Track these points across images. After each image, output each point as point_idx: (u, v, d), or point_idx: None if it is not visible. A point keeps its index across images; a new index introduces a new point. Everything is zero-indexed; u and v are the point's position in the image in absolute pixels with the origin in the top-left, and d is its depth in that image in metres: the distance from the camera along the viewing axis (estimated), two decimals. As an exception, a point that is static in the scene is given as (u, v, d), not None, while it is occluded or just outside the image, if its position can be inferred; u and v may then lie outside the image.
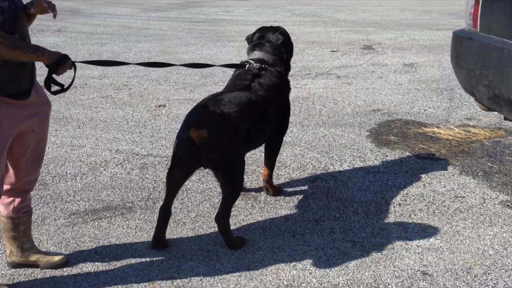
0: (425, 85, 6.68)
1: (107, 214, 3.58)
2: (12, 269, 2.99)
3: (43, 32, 10.44)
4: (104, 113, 5.62)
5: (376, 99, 6.07)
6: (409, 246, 3.21)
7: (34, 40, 9.57)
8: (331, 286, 2.84)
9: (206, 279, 2.91)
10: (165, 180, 3.25)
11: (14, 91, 2.52)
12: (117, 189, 3.93)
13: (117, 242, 3.26)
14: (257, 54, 3.59)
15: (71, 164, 4.37)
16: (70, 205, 3.71)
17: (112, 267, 3.02)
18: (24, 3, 2.61)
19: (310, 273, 2.95)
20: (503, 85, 3.61)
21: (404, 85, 6.67)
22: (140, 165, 4.34)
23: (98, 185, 3.99)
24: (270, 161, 3.73)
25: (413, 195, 3.82)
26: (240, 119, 3.13)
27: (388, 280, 2.88)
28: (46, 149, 4.64)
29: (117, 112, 5.64)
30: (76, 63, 2.73)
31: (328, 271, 2.97)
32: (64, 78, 2.97)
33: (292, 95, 6.27)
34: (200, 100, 3.33)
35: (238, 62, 3.72)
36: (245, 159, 4.36)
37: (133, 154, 4.56)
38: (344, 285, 2.85)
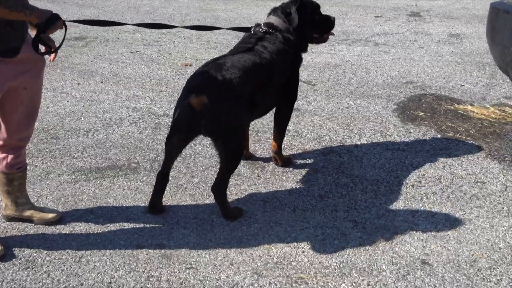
0: (468, 58, 6.30)
1: (111, 174, 3.55)
2: (7, 223, 3.00)
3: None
4: (129, 69, 5.56)
5: (411, 71, 5.77)
6: (414, 232, 3.03)
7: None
8: (322, 268, 2.72)
9: (195, 249, 2.84)
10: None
11: (2, 48, 2.45)
12: (125, 148, 3.88)
13: (114, 203, 3.22)
14: (270, 18, 3.43)
15: (86, 119, 4.35)
16: (76, 161, 3.69)
17: (104, 229, 2.99)
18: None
19: (303, 252, 2.83)
20: (537, 65, 3.32)
21: (445, 57, 6.32)
22: (154, 125, 4.27)
23: (108, 143, 3.96)
24: (278, 133, 3.58)
25: (430, 177, 3.62)
26: (243, 84, 2.98)
27: (384, 267, 2.73)
28: (65, 102, 4.66)
29: (142, 68, 5.58)
30: (67, 23, 2.62)
31: (322, 251, 2.84)
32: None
33: (323, 61, 6.08)
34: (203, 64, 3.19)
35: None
36: (261, 126, 4.25)
37: (149, 113, 4.49)
38: (336, 267, 2.72)
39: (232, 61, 3.03)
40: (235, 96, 2.94)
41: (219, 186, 3.03)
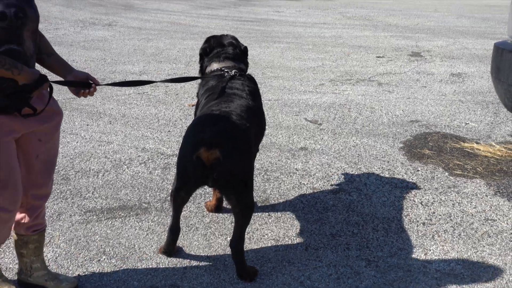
0: (471, 97, 6.38)
1: (122, 214, 3.56)
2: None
3: (94, 26, 10.63)
4: (137, 109, 5.63)
5: (416, 110, 5.84)
6: (427, 270, 3.03)
7: (84, 33, 9.76)
8: (337, 307, 2.71)
9: (209, 289, 2.83)
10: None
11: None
12: (136, 189, 3.90)
13: (126, 244, 3.23)
14: (228, 62, 3.44)
15: (96, 160, 4.38)
16: (87, 202, 3.70)
17: (117, 269, 2.98)
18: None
19: (317, 291, 2.83)
20: (543, 103, 3.37)
21: (448, 96, 6.40)
22: (164, 165, 4.30)
23: (118, 183, 3.98)
24: None
25: (440, 215, 3.62)
26: (250, 132, 2.96)
27: (399, 306, 2.73)
28: (74, 143, 4.70)
29: (150, 109, 5.65)
30: (52, 84, 2.52)
31: (336, 290, 2.84)
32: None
33: (328, 101, 6.16)
34: (203, 109, 3.14)
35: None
36: (270, 165, 4.28)
37: (158, 153, 4.53)
38: (351, 307, 2.71)
39: (235, 109, 2.99)
40: (247, 146, 2.89)
41: (239, 241, 2.91)
